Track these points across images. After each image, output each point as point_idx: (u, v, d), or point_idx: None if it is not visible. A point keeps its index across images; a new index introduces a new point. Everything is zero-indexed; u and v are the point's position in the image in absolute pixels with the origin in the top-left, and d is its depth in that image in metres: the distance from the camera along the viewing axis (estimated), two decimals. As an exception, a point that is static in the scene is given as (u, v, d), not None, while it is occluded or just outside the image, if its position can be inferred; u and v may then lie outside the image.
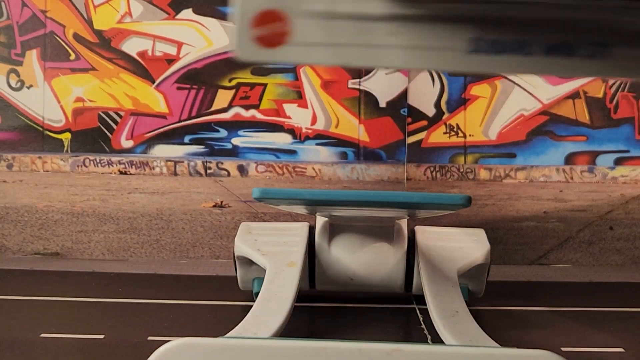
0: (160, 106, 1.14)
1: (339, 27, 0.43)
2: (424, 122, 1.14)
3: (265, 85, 1.14)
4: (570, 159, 1.13)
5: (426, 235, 0.87)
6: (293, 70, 1.14)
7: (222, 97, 1.14)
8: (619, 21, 0.41)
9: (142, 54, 1.14)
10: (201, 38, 1.14)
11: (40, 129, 1.15)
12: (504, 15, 0.42)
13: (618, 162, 1.14)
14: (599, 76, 0.45)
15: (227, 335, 0.64)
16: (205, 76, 1.14)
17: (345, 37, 0.43)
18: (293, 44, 0.44)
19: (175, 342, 0.56)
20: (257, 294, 0.75)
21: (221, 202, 1.14)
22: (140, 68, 1.14)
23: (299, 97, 1.14)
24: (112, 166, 1.15)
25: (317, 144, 1.14)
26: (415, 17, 0.42)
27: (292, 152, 1.14)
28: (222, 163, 1.15)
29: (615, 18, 0.41)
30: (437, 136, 1.14)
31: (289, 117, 1.14)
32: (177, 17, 1.14)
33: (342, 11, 0.43)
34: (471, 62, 0.42)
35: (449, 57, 0.43)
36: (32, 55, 1.14)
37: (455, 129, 1.14)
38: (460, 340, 0.65)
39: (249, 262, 0.85)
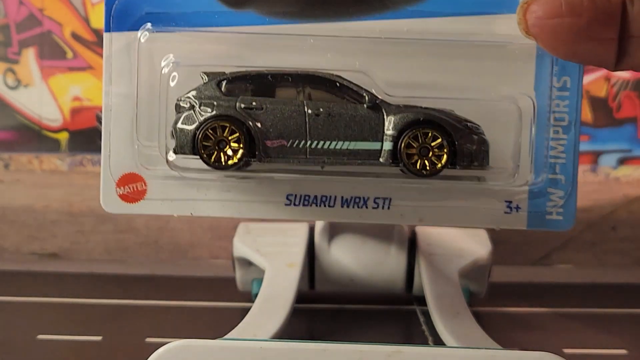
0: (159, 105, 1.14)
1: (183, 186, 0.55)
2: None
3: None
4: (572, 159, 1.13)
5: (427, 236, 0.87)
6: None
7: (221, 97, 1.13)
8: (401, 182, 0.54)
9: (141, 53, 1.14)
10: (200, 37, 1.13)
11: (37, 128, 1.14)
12: (310, 178, 0.54)
13: (621, 161, 1.13)
14: (385, 222, 0.57)
15: (226, 336, 0.64)
16: (204, 75, 1.13)
17: (187, 194, 0.55)
18: (148, 199, 0.55)
19: (174, 344, 0.56)
20: (256, 295, 0.75)
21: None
22: (139, 67, 1.13)
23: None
24: (110, 166, 1.15)
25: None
26: (244, 178, 0.55)
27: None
28: (221, 163, 1.14)
29: (397, 179, 0.54)
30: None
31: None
32: (176, 15, 1.13)
33: (185, 175, 0.55)
34: (287, 211, 0.55)
35: (270, 208, 0.55)
36: (29, 54, 1.14)
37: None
38: (462, 342, 0.65)
39: (248, 263, 0.85)
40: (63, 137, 1.15)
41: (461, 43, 0.54)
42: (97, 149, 1.17)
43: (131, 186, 0.55)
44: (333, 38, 0.54)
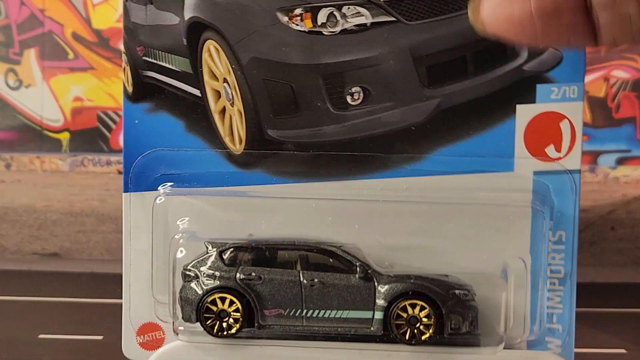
0: (160, 106, 1.14)
1: None
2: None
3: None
4: (571, 159, 1.13)
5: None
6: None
7: (222, 97, 1.13)
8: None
9: (141, 54, 1.14)
10: (200, 37, 1.13)
11: (39, 128, 1.14)
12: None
13: (620, 162, 1.14)
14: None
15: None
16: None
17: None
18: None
19: (174, 344, 0.56)
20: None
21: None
22: (139, 67, 1.14)
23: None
24: (111, 166, 1.15)
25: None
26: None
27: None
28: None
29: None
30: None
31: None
32: (177, 16, 1.13)
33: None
34: None
35: None
36: (31, 55, 1.14)
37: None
38: (461, 342, 0.65)
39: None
40: (64, 137, 1.15)
41: (458, 203, 0.56)
42: (98, 149, 1.17)
43: (150, 335, 0.58)
44: (334, 201, 0.57)
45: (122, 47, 0.59)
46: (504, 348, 0.56)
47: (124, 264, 0.58)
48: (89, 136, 1.14)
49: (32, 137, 1.15)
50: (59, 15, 1.14)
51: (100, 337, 0.74)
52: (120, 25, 1.16)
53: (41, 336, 0.75)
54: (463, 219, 0.56)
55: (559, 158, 0.55)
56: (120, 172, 1.15)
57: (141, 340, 0.58)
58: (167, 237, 0.58)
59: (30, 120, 1.14)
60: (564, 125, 0.55)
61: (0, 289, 0.91)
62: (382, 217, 0.56)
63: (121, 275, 0.99)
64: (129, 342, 0.59)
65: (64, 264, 1.05)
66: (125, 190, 0.57)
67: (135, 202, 0.57)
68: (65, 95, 1.14)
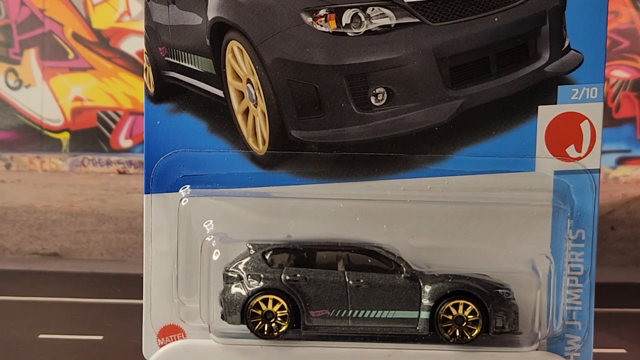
0: (160, 106, 1.14)
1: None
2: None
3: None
4: (571, 159, 1.13)
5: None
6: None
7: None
8: None
9: (141, 53, 1.14)
10: (200, 37, 1.14)
11: (39, 128, 1.15)
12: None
13: (620, 162, 1.14)
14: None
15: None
16: (205, 75, 1.14)
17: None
18: None
19: (174, 344, 0.57)
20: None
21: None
22: (139, 67, 1.14)
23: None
24: (111, 166, 1.15)
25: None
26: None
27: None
28: (221, 163, 1.14)
29: None
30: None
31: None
32: (177, 16, 1.14)
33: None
34: None
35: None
36: (31, 55, 1.14)
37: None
38: (462, 342, 0.65)
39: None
40: (64, 137, 1.15)
41: (481, 202, 0.56)
42: (98, 149, 1.17)
43: (172, 337, 0.58)
44: (361, 201, 0.56)
45: (143, 46, 0.59)
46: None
47: (145, 266, 0.58)
48: (89, 136, 1.15)
49: (32, 137, 1.15)
50: (59, 15, 1.14)
51: (100, 337, 0.74)
52: (120, 25, 1.17)
53: (41, 336, 0.74)
54: (486, 218, 0.56)
55: (579, 158, 0.56)
56: (120, 172, 1.15)
57: (162, 343, 0.57)
58: (191, 239, 0.57)
59: (30, 120, 1.15)
60: (584, 126, 0.55)
61: (0, 289, 0.92)
62: (410, 217, 0.56)
63: (122, 276, 0.99)
64: (150, 345, 0.57)
65: (64, 264, 1.05)
66: (147, 192, 0.57)
67: (156, 203, 0.57)
68: (65, 95, 1.14)
